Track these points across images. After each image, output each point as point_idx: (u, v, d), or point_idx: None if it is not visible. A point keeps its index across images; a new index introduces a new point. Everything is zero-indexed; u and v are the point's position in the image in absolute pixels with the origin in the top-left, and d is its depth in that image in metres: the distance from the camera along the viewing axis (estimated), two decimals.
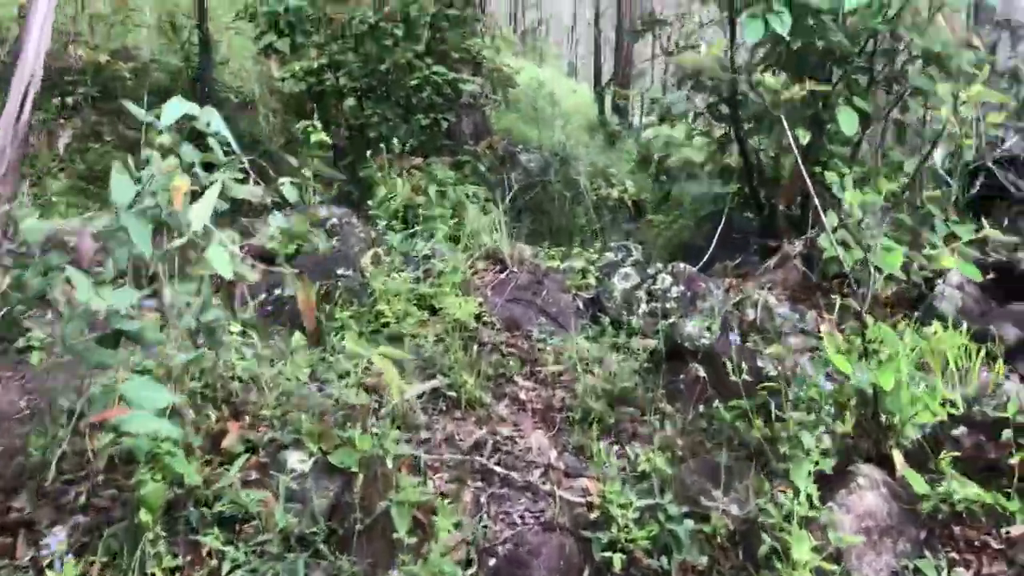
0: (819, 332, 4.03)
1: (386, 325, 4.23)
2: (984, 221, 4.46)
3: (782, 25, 4.01)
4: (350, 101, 8.04)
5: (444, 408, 3.58)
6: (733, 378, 3.10)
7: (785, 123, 3.39)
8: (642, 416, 3.56)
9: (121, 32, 10.88)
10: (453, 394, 3.64)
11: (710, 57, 5.79)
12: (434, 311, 4.48)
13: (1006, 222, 4.82)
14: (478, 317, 4.47)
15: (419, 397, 3.57)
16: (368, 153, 7.63)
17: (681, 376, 3.67)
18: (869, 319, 3.07)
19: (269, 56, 8.70)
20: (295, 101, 8.80)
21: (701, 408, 3.50)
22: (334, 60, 8.15)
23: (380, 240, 5.56)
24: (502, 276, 5.17)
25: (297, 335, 3.95)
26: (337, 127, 8.92)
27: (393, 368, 2.83)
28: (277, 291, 4.46)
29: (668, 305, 4.54)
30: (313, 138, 6.96)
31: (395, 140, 8.14)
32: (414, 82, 7.72)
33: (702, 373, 3.59)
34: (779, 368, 3.47)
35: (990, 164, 5.15)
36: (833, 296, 4.12)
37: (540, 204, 9.53)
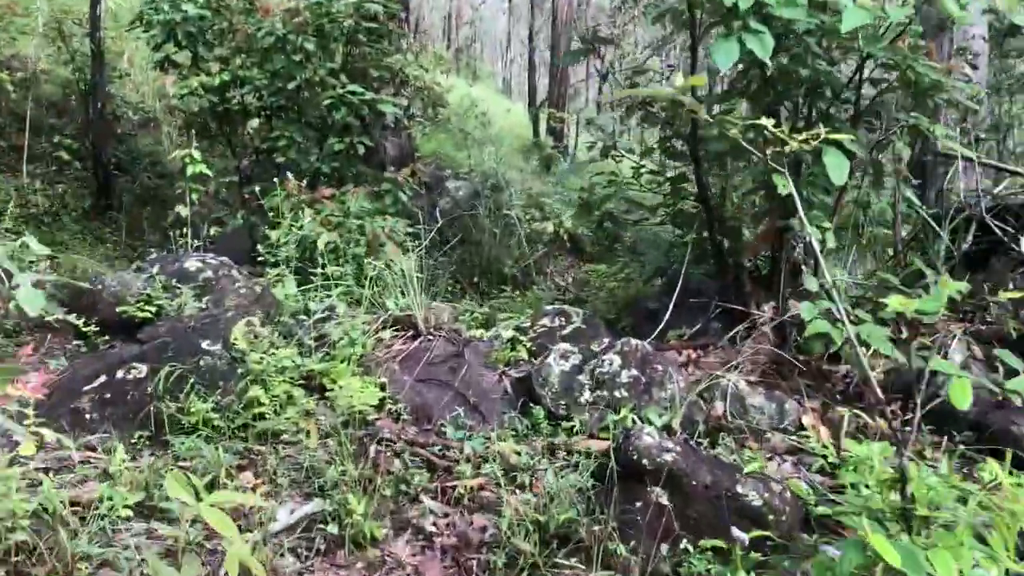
0: (801, 426, 3.37)
1: (259, 417, 3.37)
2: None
3: (762, 47, 3.30)
4: (255, 122, 7.17)
5: (322, 547, 2.73)
6: (703, 507, 2.35)
7: (773, 165, 2.68)
8: (587, 565, 2.69)
9: (4, 39, 9.81)
10: (335, 530, 2.81)
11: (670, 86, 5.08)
12: (324, 392, 3.64)
13: (1011, 285, 4.20)
14: (380, 404, 3.62)
15: (288, 531, 2.73)
16: (276, 180, 6.80)
17: (638, 504, 2.82)
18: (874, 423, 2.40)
19: (166, 70, 7.77)
20: (199, 119, 7.88)
21: (665, 549, 2.71)
22: (238, 76, 7.28)
23: (265, 297, 4.66)
24: (414, 344, 4.29)
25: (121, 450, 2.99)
26: (243, 150, 8.05)
27: (231, 527, 1.96)
28: (121, 372, 3.55)
29: (617, 394, 3.72)
30: (191, 170, 6.07)
31: (305, 166, 7.32)
32: (327, 102, 6.90)
33: (665, 501, 2.79)
34: (764, 495, 2.75)
35: (984, 214, 4.55)
36: (816, 380, 3.44)
37: (469, 236, 8.78)
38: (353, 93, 6.92)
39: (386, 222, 6.73)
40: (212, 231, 7.79)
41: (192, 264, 4.73)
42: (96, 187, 9.16)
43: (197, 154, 6.10)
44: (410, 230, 6.99)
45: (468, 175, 10.72)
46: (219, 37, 7.66)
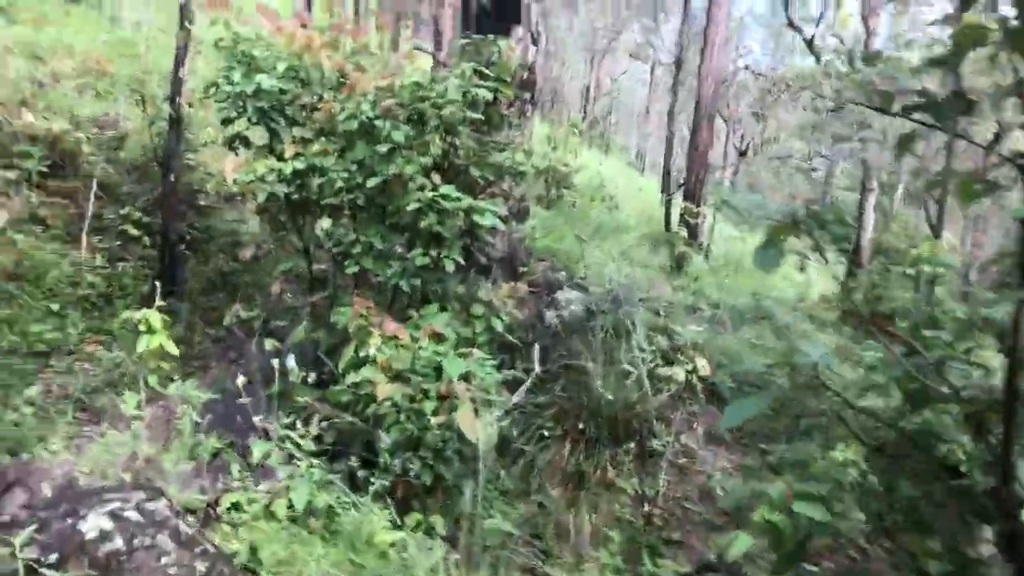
0: None
1: None
2: None
3: None
4: (326, 222, 5.83)
5: None
6: None
7: None
8: None
9: (87, 99, 8.98)
10: None
11: None
12: None
13: None
14: None
15: None
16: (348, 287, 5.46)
17: None
18: None
19: (235, 148, 6.59)
20: (270, 208, 6.65)
21: None
22: (312, 164, 5.99)
23: None
24: None
25: None
26: (316, 248, 6.75)
27: None
28: None
29: None
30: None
31: (382, 278, 5.93)
32: (413, 206, 5.48)
33: None
34: None
35: None
36: None
37: (576, 376, 7.16)
38: (445, 197, 5.49)
39: (470, 362, 5.21)
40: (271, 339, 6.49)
41: (94, 525, 3.03)
42: (160, 268, 8.06)
43: None
44: (496, 374, 5.47)
45: (583, 280, 9.13)
46: (302, 113, 6.44)
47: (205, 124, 9.20)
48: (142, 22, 16.12)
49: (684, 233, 15.57)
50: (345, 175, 5.83)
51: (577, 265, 10.19)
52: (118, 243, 8.22)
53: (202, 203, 9.00)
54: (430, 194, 5.44)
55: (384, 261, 5.99)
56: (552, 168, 12.87)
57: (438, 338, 5.28)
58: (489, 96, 5.60)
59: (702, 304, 10.43)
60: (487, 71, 5.85)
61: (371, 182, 5.63)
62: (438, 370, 5.13)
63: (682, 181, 18.20)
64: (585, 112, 47.12)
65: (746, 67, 31.18)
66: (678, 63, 20.12)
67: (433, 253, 5.66)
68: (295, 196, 6.27)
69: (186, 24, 7.49)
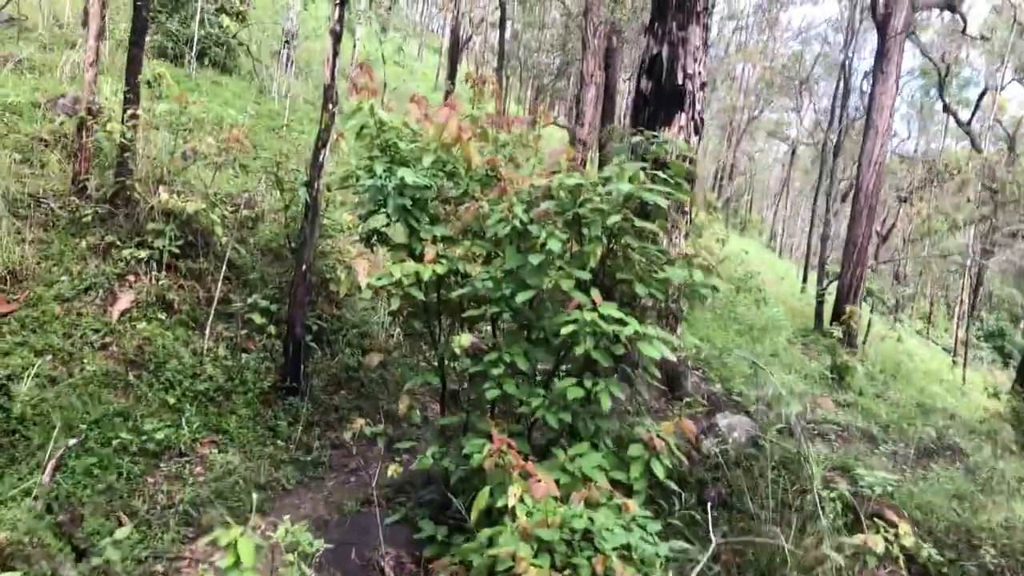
0: None
1: None
2: None
3: None
4: (467, 337, 5.06)
5: None
6: None
7: None
8: None
9: (225, 176, 8.68)
10: None
11: None
12: None
13: None
14: None
15: None
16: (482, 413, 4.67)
17: None
18: None
19: (372, 245, 5.98)
20: (403, 311, 5.98)
21: None
22: (455, 269, 5.29)
23: None
24: None
25: None
26: (453, 361, 6.01)
27: None
28: None
29: None
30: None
31: (524, 408, 5.11)
32: (569, 329, 4.65)
33: None
34: None
35: None
36: None
37: (742, 505, 6.10)
38: (606, 319, 4.64)
39: (631, 533, 4.29)
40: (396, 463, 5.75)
41: None
42: (284, 362, 7.52)
43: None
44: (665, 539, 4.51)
45: (740, 397, 8.07)
46: (444, 209, 5.80)
47: (340, 204, 8.75)
48: (291, 94, 16.27)
49: (838, 333, 14.22)
50: (490, 284, 5.09)
51: (732, 374, 9.13)
52: (243, 331, 7.75)
53: (332, 289, 8.48)
54: (588, 315, 4.61)
55: (529, 386, 5.17)
56: (695, 255, 11.91)
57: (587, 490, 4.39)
58: (663, 202, 4.76)
59: (874, 428, 9.15)
60: (659, 172, 5.03)
61: (521, 296, 4.85)
62: (588, 534, 4.23)
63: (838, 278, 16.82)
64: (719, 190, 45.93)
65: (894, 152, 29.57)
66: (836, 148, 18.84)
67: (588, 384, 4.80)
68: (432, 301, 5.58)
69: (330, 106, 7.04)
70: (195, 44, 14.84)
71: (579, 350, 4.66)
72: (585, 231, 4.99)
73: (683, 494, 5.60)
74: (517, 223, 4.94)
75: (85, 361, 7.03)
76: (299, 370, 7.46)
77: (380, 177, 5.40)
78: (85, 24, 14.48)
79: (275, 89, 16.38)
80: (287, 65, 17.88)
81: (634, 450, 4.99)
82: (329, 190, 7.73)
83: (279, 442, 7.03)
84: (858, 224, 16.00)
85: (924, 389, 15.80)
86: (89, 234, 8.13)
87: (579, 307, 4.71)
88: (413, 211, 5.51)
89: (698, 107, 8.33)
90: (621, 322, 4.67)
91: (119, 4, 14.30)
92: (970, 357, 24.09)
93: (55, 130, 9.80)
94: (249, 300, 7.78)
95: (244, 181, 8.90)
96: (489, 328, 5.58)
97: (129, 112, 8.20)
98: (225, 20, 16.07)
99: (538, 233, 4.88)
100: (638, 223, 4.80)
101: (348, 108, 5.85)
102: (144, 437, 6.52)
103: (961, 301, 30.09)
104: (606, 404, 4.75)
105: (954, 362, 23.95)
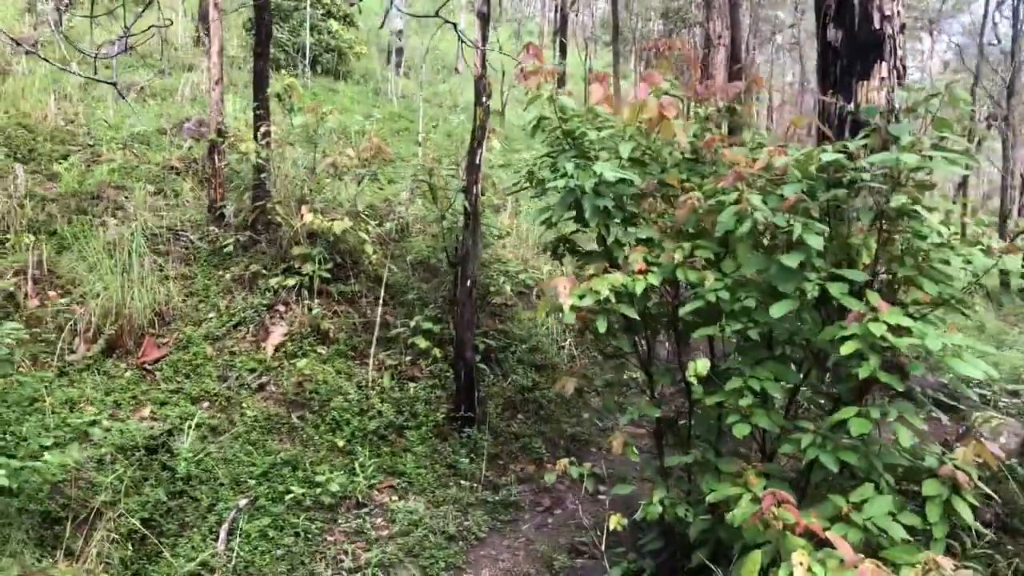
0: None
1: None
2: None
3: None
4: (702, 363, 4.11)
5: None
6: None
7: None
8: None
9: (371, 189, 7.98)
10: None
11: None
12: None
13: None
14: None
15: None
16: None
17: None
18: None
19: (560, 256, 5.10)
20: (602, 326, 5.07)
21: None
22: (675, 277, 4.35)
23: None
24: None
25: None
26: (672, 387, 5.08)
27: None
28: None
29: None
30: None
31: (779, 445, 4.15)
32: (848, 348, 3.64)
33: None
34: None
35: None
36: None
37: None
38: (894, 330, 3.60)
39: None
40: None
41: None
42: (456, 388, 6.76)
43: None
44: None
45: (991, 393, 6.84)
46: (640, 205, 4.85)
47: (499, 213, 7.92)
48: (408, 95, 15.64)
49: None
50: (726, 295, 4.11)
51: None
52: (408, 358, 7.02)
53: (495, 301, 7.67)
54: (875, 328, 3.58)
55: (777, 414, 4.19)
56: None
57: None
58: (961, 170, 3.67)
59: None
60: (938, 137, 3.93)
61: (778, 309, 3.86)
62: None
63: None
64: None
65: None
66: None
67: (874, 414, 3.78)
68: (641, 315, 4.65)
69: (483, 100, 6.20)
70: (307, 51, 14.35)
71: (863, 372, 3.64)
72: (846, 220, 3.95)
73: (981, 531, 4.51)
74: (760, 216, 3.94)
75: (244, 405, 6.45)
76: (473, 397, 6.68)
77: (571, 176, 4.49)
78: (198, 43, 14.20)
79: (390, 91, 15.77)
80: (399, 65, 17.27)
81: (929, 488, 3.93)
82: (483, 194, 6.89)
83: (462, 482, 6.26)
84: None
85: None
86: (232, 264, 7.58)
87: (859, 318, 3.68)
88: (615, 212, 4.59)
89: (900, 53, 7.09)
90: (920, 335, 3.62)
91: (225, 21, 13.94)
92: None
93: (184, 156, 9.36)
94: (412, 323, 7.04)
95: (387, 192, 8.18)
96: (725, 347, 4.62)
97: (262, 129, 7.58)
98: (334, 24, 15.57)
99: (793, 227, 3.87)
100: (925, 204, 3.74)
101: (523, 98, 4.96)
102: (318, 489, 5.86)
103: None
104: (905, 440, 3.72)
105: None
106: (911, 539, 3.76)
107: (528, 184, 5.06)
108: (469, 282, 6.48)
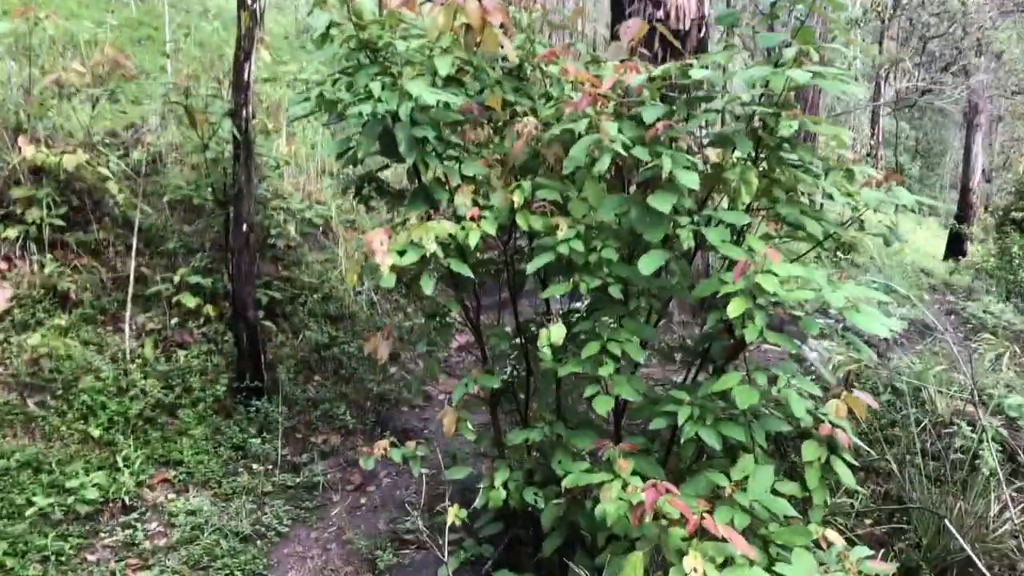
0: None
1: None
2: None
3: None
4: (556, 331, 3.39)
5: None
6: None
7: None
8: None
9: (105, 113, 6.48)
10: None
11: None
12: None
13: None
14: None
15: None
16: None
17: None
18: None
19: (366, 200, 4.15)
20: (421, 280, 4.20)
21: None
22: (514, 222, 3.57)
23: None
24: None
25: None
26: (505, 353, 4.35)
27: None
28: None
29: None
30: None
31: (662, 418, 3.59)
32: (738, 306, 3.04)
33: None
34: None
35: None
36: None
37: (892, 487, 4.79)
38: (785, 282, 3.05)
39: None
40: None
41: None
42: (237, 354, 5.68)
43: None
44: None
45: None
46: (458, 132, 3.98)
47: (275, 138, 6.71)
48: None
49: None
50: (579, 246, 3.38)
51: None
52: (175, 321, 5.80)
53: (278, 244, 6.54)
54: (763, 280, 3.00)
55: (636, 380, 3.59)
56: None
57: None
58: (850, 89, 3.10)
59: None
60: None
61: (647, 263, 3.18)
62: None
63: None
64: None
65: None
66: None
67: (760, 379, 3.23)
68: (476, 268, 3.84)
69: (250, 3, 5.00)
70: None
71: (750, 335, 3.06)
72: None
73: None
74: (619, 148, 3.20)
75: None
76: (260, 362, 5.65)
77: (380, 100, 3.53)
78: None
79: None
80: None
81: (809, 451, 3.50)
82: (254, 117, 5.69)
83: (255, 466, 5.28)
84: None
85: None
86: None
87: (745, 269, 3.08)
88: (437, 145, 3.69)
89: None
90: (797, 283, 3.09)
91: None
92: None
93: None
94: (175, 277, 5.81)
95: (131, 115, 6.71)
96: (580, 305, 3.93)
97: None
98: None
99: (652, 161, 3.17)
100: (821, 129, 3.16)
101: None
102: (70, 496, 4.68)
103: None
104: (799, 411, 3.21)
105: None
106: (799, 516, 3.32)
107: (318, 108, 4.02)
108: (245, 226, 5.36)
